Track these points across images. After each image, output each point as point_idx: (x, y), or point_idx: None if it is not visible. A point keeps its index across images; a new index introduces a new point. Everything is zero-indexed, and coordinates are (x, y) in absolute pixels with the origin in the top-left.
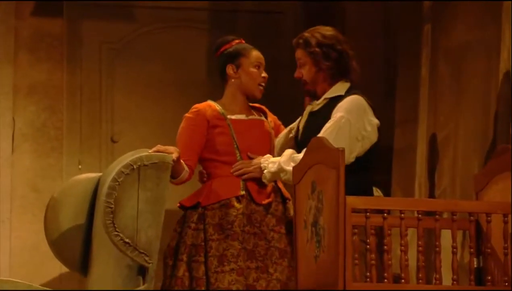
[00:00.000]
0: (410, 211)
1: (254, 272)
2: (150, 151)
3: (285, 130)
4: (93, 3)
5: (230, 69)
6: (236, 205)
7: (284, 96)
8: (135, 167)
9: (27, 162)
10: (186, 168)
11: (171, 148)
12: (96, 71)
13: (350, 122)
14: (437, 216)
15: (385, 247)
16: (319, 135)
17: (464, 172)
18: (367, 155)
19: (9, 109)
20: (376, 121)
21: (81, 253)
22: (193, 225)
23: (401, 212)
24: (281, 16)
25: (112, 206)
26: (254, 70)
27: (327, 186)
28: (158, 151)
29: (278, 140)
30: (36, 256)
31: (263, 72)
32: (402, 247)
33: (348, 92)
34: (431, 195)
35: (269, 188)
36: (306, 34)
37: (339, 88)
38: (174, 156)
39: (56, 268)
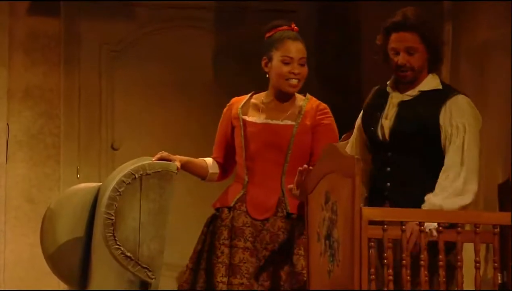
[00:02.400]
0: None
1: (236, 288)
2: (153, 159)
3: (355, 132)
4: (92, 2)
5: (263, 62)
6: (223, 216)
7: None
8: (137, 176)
9: (22, 171)
10: (212, 168)
11: (175, 156)
12: (95, 73)
13: (477, 126)
14: (459, 229)
15: (404, 262)
16: (451, 155)
17: (487, 180)
18: None
19: (3, 114)
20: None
21: (79, 267)
22: (204, 229)
23: (420, 224)
24: (292, 16)
25: (113, 217)
26: (281, 65)
27: (341, 196)
28: (161, 159)
29: (350, 146)
30: (32, 271)
31: (296, 67)
32: (422, 262)
33: (450, 90)
34: None
35: (272, 201)
36: (412, 17)
37: (432, 81)
38: (178, 164)
39: (53, 283)
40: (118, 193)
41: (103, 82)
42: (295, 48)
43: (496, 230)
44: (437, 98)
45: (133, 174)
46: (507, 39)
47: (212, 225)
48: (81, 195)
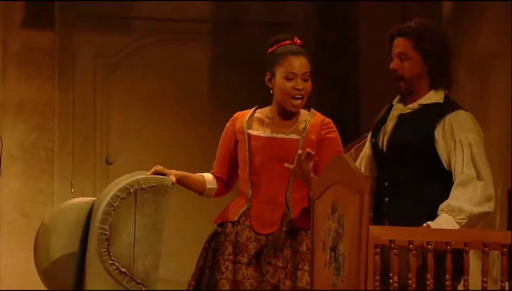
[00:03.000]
0: None
1: None
2: (148, 173)
3: (366, 147)
4: (87, 14)
5: (266, 78)
6: (227, 231)
7: None
8: (131, 190)
9: (16, 185)
10: (211, 183)
11: (170, 171)
12: (90, 87)
13: (481, 138)
14: (467, 248)
15: (409, 281)
16: (461, 166)
17: None
18: None
19: None
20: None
21: (73, 283)
22: (206, 245)
23: (427, 243)
24: (291, 28)
25: (107, 232)
26: (284, 81)
27: (349, 211)
28: (156, 173)
29: (362, 162)
30: (26, 286)
31: (300, 83)
32: (428, 281)
33: (451, 105)
34: None
35: (276, 216)
36: (414, 24)
37: (434, 95)
38: (173, 178)
39: None
40: (112, 208)
41: (98, 96)
42: (298, 63)
43: (504, 249)
44: (435, 112)
45: (128, 188)
46: (506, 47)
47: (214, 240)
48: (75, 210)
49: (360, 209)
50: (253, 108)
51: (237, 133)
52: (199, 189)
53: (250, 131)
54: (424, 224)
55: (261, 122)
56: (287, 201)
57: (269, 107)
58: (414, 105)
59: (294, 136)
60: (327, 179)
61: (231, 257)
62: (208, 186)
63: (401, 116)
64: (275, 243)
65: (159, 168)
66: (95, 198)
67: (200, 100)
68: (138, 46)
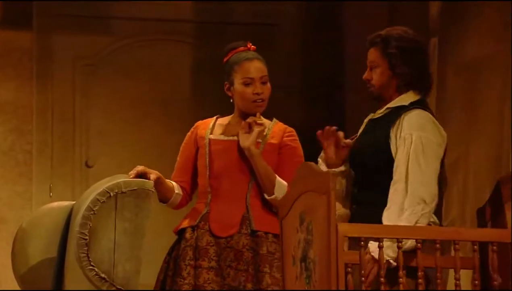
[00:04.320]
0: None
1: None
2: (129, 174)
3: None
4: (66, 14)
5: (225, 87)
6: (187, 236)
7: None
8: (112, 194)
9: None
10: (177, 188)
11: (151, 170)
12: (69, 89)
13: (431, 140)
14: (437, 246)
15: (382, 279)
16: (401, 161)
17: (475, 200)
18: (440, 171)
19: None
20: (445, 134)
21: (52, 289)
22: (167, 257)
23: (398, 240)
24: (277, 29)
25: (87, 237)
26: (243, 87)
27: (317, 214)
28: (138, 173)
29: None
30: None
31: (258, 87)
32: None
33: (412, 106)
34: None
35: (236, 219)
36: (383, 32)
37: (403, 98)
38: (152, 177)
39: None
40: (92, 212)
41: (77, 97)
42: (254, 68)
43: (475, 247)
44: (395, 114)
45: (108, 192)
46: (495, 55)
47: (175, 250)
48: (54, 214)
49: (327, 207)
50: (215, 117)
51: (199, 139)
52: (169, 195)
53: (211, 136)
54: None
55: (222, 128)
56: (247, 203)
57: (230, 116)
58: (382, 111)
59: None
60: (294, 191)
61: (192, 262)
62: (176, 191)
63: (369, 122)
64: (235, 246)
65: (140, 168)
66: (74, 202)
67: (183, 103)
68: (118, 47)
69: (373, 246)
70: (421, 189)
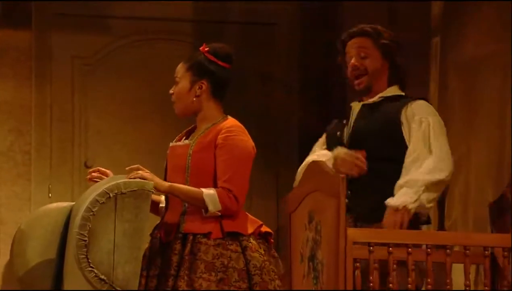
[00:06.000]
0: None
1: None
2: (130, 175)
3: (320, 142)
4: (65, 14)
5: None
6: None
7: (276, 110)
8: (111, 195)
9: None
10: (162, 204)
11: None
12: (68, 88)
13: (444, 126)
14: (448, 251)
15: (390, 285)
16: (419, 139)
17: (477, 200)
18: None
19: None
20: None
21: (51, 290)
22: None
23: (407, 245)
24: (274, 28)
25: (86, 239)
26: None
27: (326, 216)
28: (137, 171)
29: (315, 157)
30: None
31: (172, 88)
32: (410, 285)
33: (412, 97)
34: (441, 226)
35: (174, 223)
36: (368, 27)
37: (393, 90)
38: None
39: None
40: (91, 213)
41: (76, 98)
42: (175, 72)
43: (486, 252)
44: (399, 101)
45: (107, 193)
46: (495, 54)
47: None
48: (53, 215)
49: (337, 211)
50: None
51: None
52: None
53: (170, 143)
54: (385, 202)
55: (181, 134)
56: (184, 208)
57: None
58: (375, 99)
59: (187, 141)
60: (303, 188)
61: (144, 273)
62: (161, 205)
63: (362, 108)
64: (174, 250)
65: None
66: (74, 203)
67: None
68: (117, 47)
69: (392, 200)
70: (441, 163)
